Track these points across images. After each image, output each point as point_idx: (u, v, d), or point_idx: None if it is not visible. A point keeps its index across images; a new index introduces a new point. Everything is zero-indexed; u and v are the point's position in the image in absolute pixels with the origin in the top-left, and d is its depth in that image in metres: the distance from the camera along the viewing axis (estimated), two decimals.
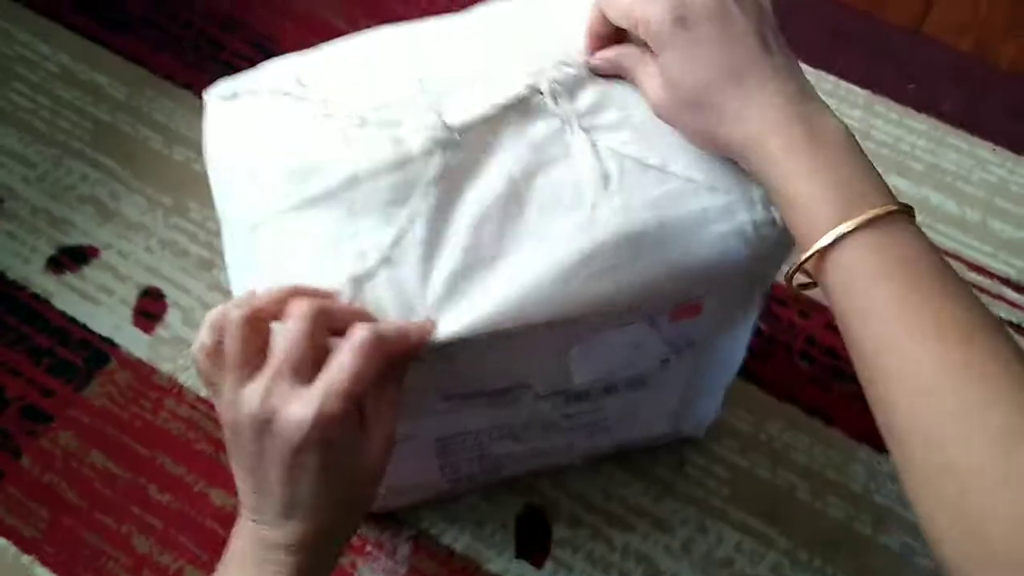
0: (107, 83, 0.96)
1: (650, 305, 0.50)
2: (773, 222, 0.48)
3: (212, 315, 0.44)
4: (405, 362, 0.46)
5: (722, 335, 0.58)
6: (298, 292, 0.45)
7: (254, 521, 0.45)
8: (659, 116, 0.48)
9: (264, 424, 0.41)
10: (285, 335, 0.42)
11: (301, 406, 0.41)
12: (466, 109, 0.49)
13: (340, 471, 0.43)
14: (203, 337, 0.43)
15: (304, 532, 0.44)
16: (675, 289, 0.49)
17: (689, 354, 0.57)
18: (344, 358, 0.42)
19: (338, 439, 0.42)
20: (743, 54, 0.44)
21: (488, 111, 0.49)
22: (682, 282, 0.49)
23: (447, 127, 0.48)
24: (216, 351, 0.43)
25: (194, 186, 0.89)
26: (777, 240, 0.49)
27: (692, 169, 0.49)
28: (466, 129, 0.48)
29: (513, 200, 0.48)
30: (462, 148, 0.48)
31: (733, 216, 0.48)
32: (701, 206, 0.48)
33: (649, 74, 0.48)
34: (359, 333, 0.42)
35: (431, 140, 0.48)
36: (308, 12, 0.99)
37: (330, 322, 0.44)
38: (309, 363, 0.42)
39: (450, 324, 0.46)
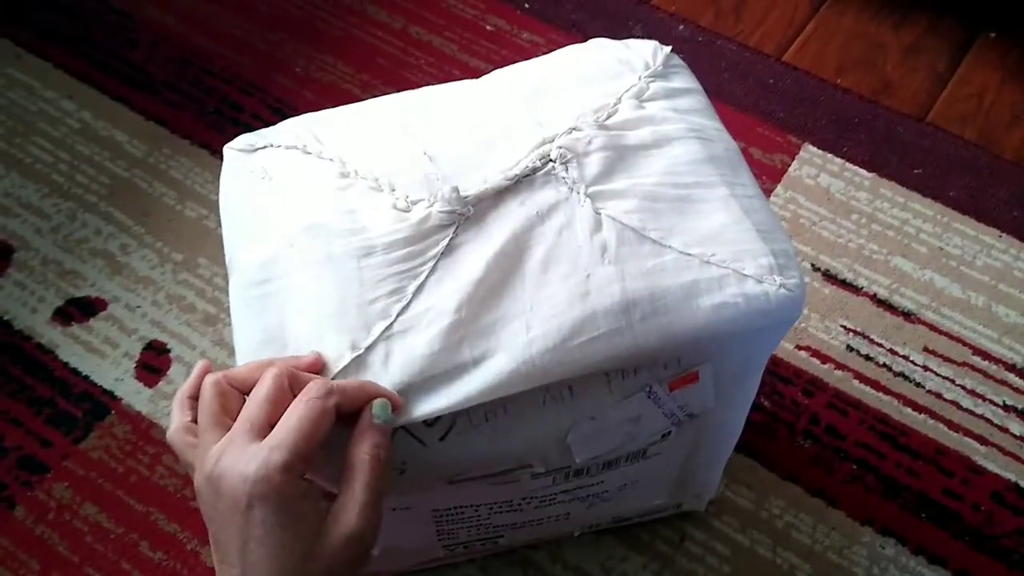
0: (126, 140, 0.98)
1: (644, 370, 0.50)
2: (766, 296, 0.49)
3: (179, 394, 0.45)
4: (386, 436, 0.45)
5: (721, 406, 0.58)
6: (274, 364, 0.45)
7: None
8: None
9: (217, 482, 0.41)
10: (249, 398, 0.43)
11: (247, 461, 0.41)
12: (484, 180, 0.50)
13: (298, 534, 0.41)
14: (175, 416, 0.44)
15: None
16: (668, 356, 0.50)
17: (689, 427, 0.57)
18: (292, 412, 0.42)
19: (287, 496, 0.41)
20: None
21: (501, 183, 0.50)
22: (675, 349, 0.49)
23: (464, 201, 0.49)
24: (189, 428, 0.44)
25: (205, 243, 0.90)
26: (771, 314, 0.49)
27: (691, 244, 0.50)
28: (479, 201, 0.49)
29: (513, 270, 0.49)
30: (473, 221, 0.49)
31: (724, 289, 0.49)
32: (693, 278, 0.49)
33: None
34: (310, 386, 0.43)
35: (449, 214, 0.49)
36: (328, 80, 1.02)
37: (299, 386, 0.44)
38: (267, 424, 0.42)
39: (441, 400, 0.46)
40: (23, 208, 0.93)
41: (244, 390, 0.44)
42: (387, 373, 0.46)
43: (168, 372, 0.82)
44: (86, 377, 0.82)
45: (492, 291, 0.48)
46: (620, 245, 0.49)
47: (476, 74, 0.59)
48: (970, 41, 1.08)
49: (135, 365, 0.83)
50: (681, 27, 1.09)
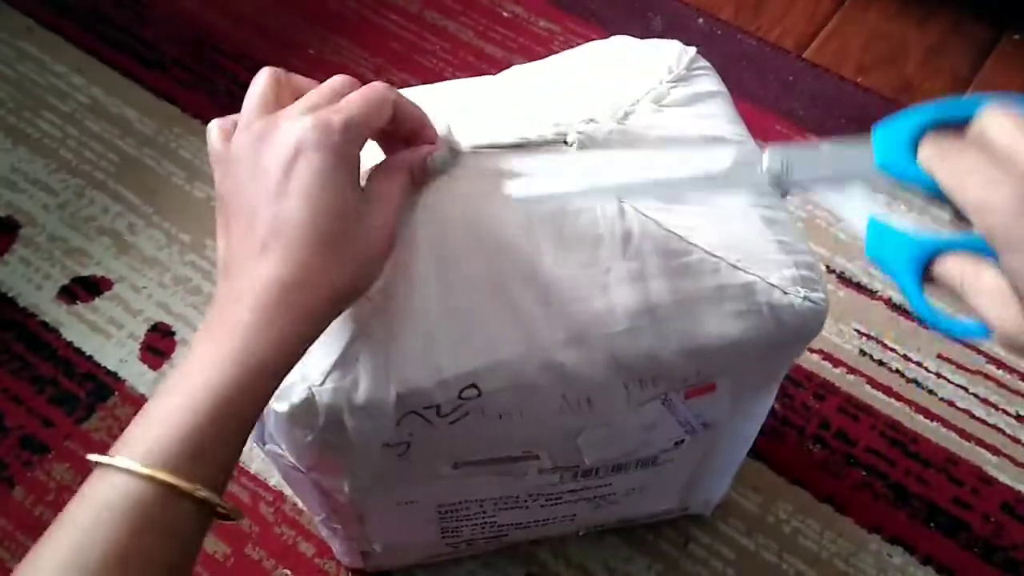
0: (136, 118, 0.96)
1: (662, 379, 0.49)
2: (791, 307, 0.47)
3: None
4: (420, 171, 0.46)
5: (736, 417, 0.57)
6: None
7: (225, 281, 0.40)
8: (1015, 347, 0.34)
9: (265, 132, 0.39)
10: (313, 90, 0.42)
11: (304, 116, 0.39)
12: (488, 136, 0.49)
13: (331, 203, 0.39)
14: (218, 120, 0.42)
15: (281, 270, 0.38)
16: (687, 365, 0.48)
17: (703, 435, 0.56)
18: (355, 93, 0.41)
19: (335, 160, 0.38)
20: None
21: (509, 140, 0.48)
22: (694, 358, 0.48)
23: (451, 136, 0.47)
24: (231, 124, 0.42)
25: (213, 224, 0.88)
26: (794, 327, 0.48)
27: (716, 245, 0.48)
28: (479, 151, 0.48)
29: (529, 236, 0.47)
30: (474, 169, 0.47)
31: (751, 296, 0.47)
32: (719, 283, 0.47)
33: (986, 291, 0.34)
34: (376, 84, 0.42)
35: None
36: (341, 63, 1.00)
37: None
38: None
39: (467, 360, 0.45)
40: (30, 183, 0.92)
41: (300, 94, 0.42)
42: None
43: (173, 355, 0.82)
44: (90, 357, 0.81)
45: (505, 252, 0.46)
46: (643, 238, 0.47)
47: (491, 61, 0.58)
48: (994, 42, 1.07)
49: (140, 347, 0.82)
50: (700, 20, 1.07)
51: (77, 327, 0.83)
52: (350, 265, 0.40)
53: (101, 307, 0.84)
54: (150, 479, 0.34)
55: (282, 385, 0.44)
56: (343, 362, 0.45)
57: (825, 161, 0.39)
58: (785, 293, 0.47)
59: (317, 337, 0.40)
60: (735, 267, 0.47)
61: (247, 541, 0.73)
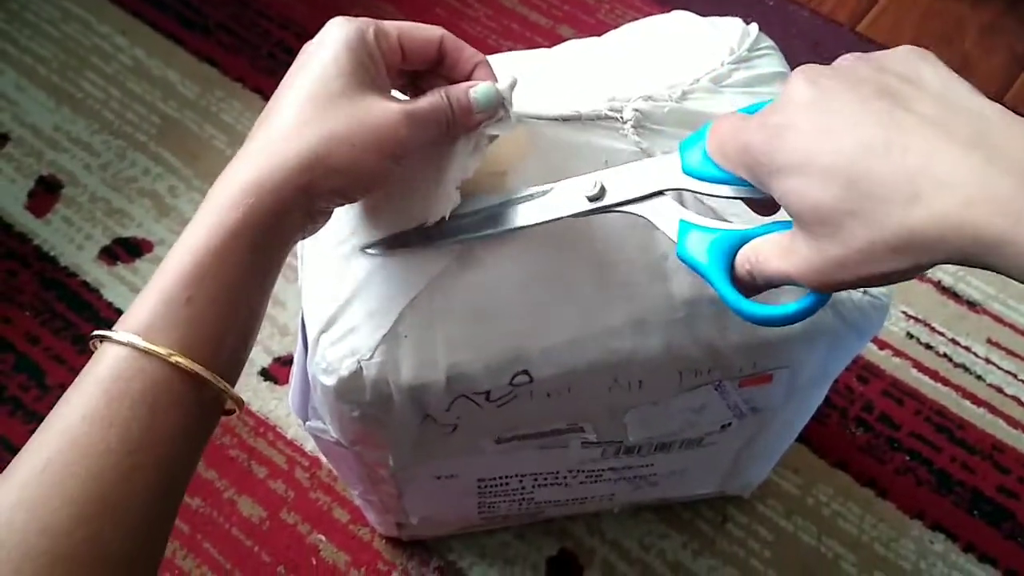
0: (179, 80, 0.96)
1: (717, 369, 0.48)
2: (852, 303, 0.46)
3: None
4: (462, 107, 0.42)
5: (787, 408, 0.55)
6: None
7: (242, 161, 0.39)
8: (816, 284, 0.33)
9: (319, 35, 0.41)
10: None
11: (347, 20, 0.41)
12: (541, 107, 0.47)
13: (319, 78, 0.39)
14: None
15: (255, 139, 0.38)
16: (744, 357, 0.47)
17: (751, 420, 0.55)
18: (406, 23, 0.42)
19: (345, 53, 0.39)
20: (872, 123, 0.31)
21: (564, 112, 0.47)
22: (752, 351, 0.47)
23: (508, 90, 0.44)
24: None
25: None
26: (855, 323, 0.47)
27: None
28: (534, 118, 0.46)
29: (586, 220, 0.45)
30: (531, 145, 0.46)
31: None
32: None
33: (771, 255, 0.35)
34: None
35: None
36: None
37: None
38: None
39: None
40: (73, 143, 0.92)
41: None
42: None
43: None
44: None
45: (556, 236, 0.45)
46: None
47: (536, 29, 0.56)
48: None
49: None
50: None
51: (118, 288, 0.83)
52: (320, 135, 0.38)
53: (142, 269, 0.84)
54: (127, 344, 0.34)
55: (330, 359, 0.44)
56: (392, 338, 0.44)
57: (639, 176, 0.41)
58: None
59: (288, 208, 0.37)
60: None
61: (283, 505, 0.73)
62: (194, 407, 0.35)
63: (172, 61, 0.97)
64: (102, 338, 0.35)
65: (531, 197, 0.43)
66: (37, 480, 0.32)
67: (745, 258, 0.36)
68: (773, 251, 0.35)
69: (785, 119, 0.33)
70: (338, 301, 0.45)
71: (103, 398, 0.34)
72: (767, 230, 0.36)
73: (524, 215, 0.43)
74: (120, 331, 0.34)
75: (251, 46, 0.98)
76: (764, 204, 0.38)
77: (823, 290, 0.34)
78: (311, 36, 0.43)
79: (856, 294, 0.46)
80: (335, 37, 0.40)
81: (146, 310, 0.35)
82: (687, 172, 0.39)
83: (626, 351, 0.45)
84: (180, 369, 0.34)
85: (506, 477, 0.58)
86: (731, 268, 0.37)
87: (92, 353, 0.36)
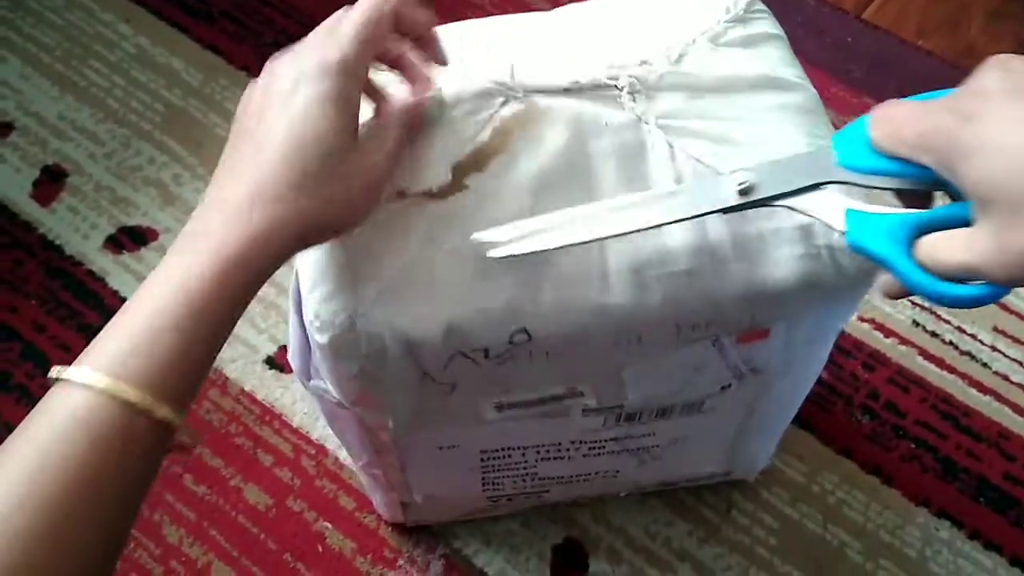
0: (183, 68, 0.96)
1: (716, 324, 0.48)
2: (850, 256, 0.46)
3: None
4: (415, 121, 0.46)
5: (785, 372, 0.56)
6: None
7: (220, 197, 0.40)
8: (1004, 277, 0.32)
9: (268, 73, 0.42)
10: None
11: (309, 51, 0.41)
12: (540, 78, 0.48)
13: (315, 135, 0.39)
14: None
15: (252, 182, 0.38)
16: (743, 310, 0.47)
17: (751, 383, 0.55)
18: (352, 15, 0.42)
19: (338, 84, 0.39)
20: None
21: (562, 83, 0.48)
22: (751, 302, 0.47)
23: (511, 79, 0.47)
24: None
25: None
26: (852, 273, 0.47)
27: None
28: (535, 91, 0.48)
29: (583, 171, 0.46)
30: (532, 109, 0.47)
31: (809, 239, 0.46)
32: (776, 226, 0.46)
33: (959, 246, 0.34)
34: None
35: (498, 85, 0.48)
36: None
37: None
38: None
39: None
40: (77, 132, 0.92)
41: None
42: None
43: None
44: None
45: (557, 179, 0.46)
46: (695, 179, 0.46)
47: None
48: None
49: None
50: None
51: (123, 277, 0.83)
52: (318, 201, 0.39)
53: (147, 258, 0.84)
54: (101, 391, 0.35)
55: (324, 316, 0.44)
56: (386, 292, 0.44)
57: (791, 171, 0.40)
58: (843, 235, 0.46)
59: (276, 262, 0.39)
60: (792, 209, 0.45)
61: (289, 493, 0.73)
62: (151, 444, 0.36)
63: (176, 49, 0.97)
64: (58, 379, 0.36)
65: (671, 195, 0.43)
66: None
67: (926, 254, 0.35)
68: (954, 244, 0.34)
69: (979, 103, 0.33)
70: (329, 256, 0.45)
71: (59, 436, 0.34)
72: (946, 213, 0.35)
73: (659, 214, 0.42)
74: (83, 368, 0.35)
75: (255, 34, 0.98)
76: (918, 196, 0.38)
77: (1010, 283, 0.33)
78: (315, 24, 0.43)
79: (844, 257, 0.46)
80: (319, 92, 0.39)
81: (110, 350, 0.36)
82: (842, 165, 0.38)
83: (627, 305, 0.45)
84: (145, 414, 0.35)
85: (508, 449, 0.58)
86: (909, 248, 0.36)
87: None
